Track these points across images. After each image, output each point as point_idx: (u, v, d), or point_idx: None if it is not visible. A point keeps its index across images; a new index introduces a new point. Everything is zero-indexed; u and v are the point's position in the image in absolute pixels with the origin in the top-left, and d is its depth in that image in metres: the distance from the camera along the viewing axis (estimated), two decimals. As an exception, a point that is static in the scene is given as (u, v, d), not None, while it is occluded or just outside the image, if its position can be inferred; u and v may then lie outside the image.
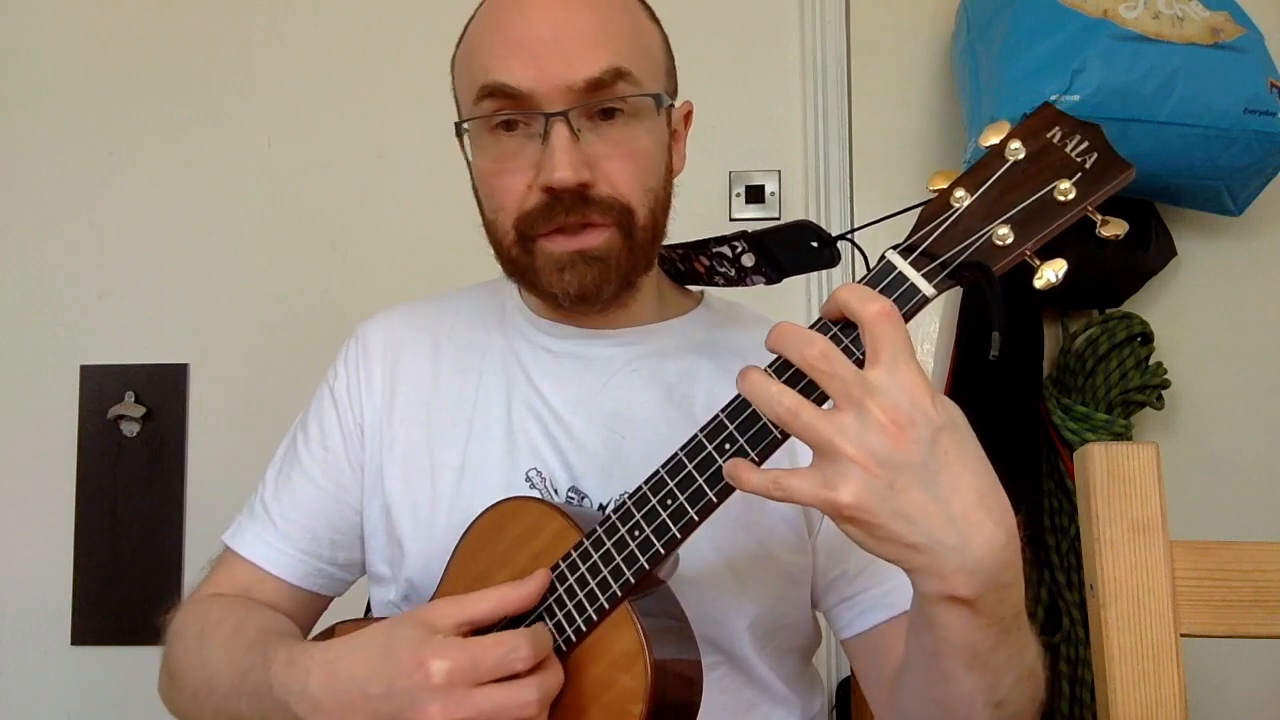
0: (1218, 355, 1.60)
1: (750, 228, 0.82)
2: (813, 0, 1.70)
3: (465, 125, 0.82)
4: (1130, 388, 1.47)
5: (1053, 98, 1.35)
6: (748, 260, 0.84)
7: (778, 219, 1.65)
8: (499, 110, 0.79)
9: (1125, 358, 1.49)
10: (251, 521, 0.92)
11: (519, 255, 0.82)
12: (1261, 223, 1.59)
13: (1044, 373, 1.56)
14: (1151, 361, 1.51)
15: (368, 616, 0.93)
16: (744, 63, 1.71)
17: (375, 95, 1.77)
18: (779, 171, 1.69)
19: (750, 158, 1.70)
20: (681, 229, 0.89)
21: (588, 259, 0.79)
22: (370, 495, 0.90)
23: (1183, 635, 0.75)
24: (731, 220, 1.67)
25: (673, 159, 0.87)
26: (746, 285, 0.87)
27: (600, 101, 0.78)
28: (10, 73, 1.83)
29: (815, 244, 0.78)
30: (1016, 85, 1.38)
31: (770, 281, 0.85)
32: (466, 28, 0.86)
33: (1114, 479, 0.76)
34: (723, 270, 0.88)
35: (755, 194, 1.68)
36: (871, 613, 0.83)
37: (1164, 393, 1.52)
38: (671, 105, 0.86)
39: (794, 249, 0.80)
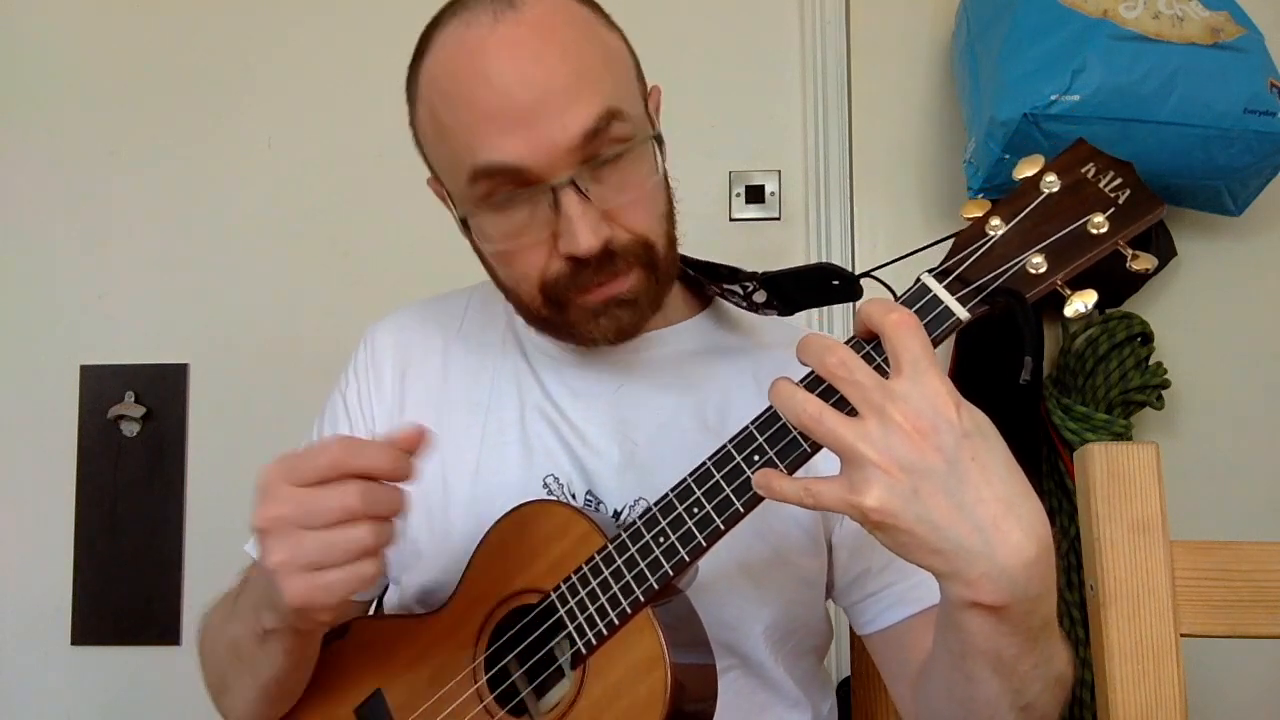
0: (1218, 355, 1.60)
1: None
2: (813, 0, 1.70)
3: (466, 214, 0.78)
4: (1130, 388, 1.47)
5: (1053, 97, 1.35)
6: (759, 298, 0.84)
7: (777, 219, 1.65)
8: (498, 190, 0.74)
9: (1125, 358, 1.49)
10: None
11: (550, 314, 0.80)
12: (1261, 223, 1.59)
13: (1044, 373, 1.56)
14: (1151, 361, 1.51)
15: (379, 614, 0.93)
16: (744, 63, 1.71)
17: (375, 95, 1.74)
18: (779, 171, 1.68)
19: (750, 158, 1.69)
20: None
21: (620, 303, 0.78)
22: None
23: (1183, 635, 0.75)
24: (731, 220, 1.66)
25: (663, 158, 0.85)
26: (758, 315, 0.87)
27: (601, 156, 0.74)
28: (11, 73, 1.83)
29: (836, 283, 0.77)
30: (1017, 85, 1.38)
31: (782, 314, 0.85)
32: (417, 91, 0.80)
33: (1114, 479, 0.76)
34: (733, 301, 0.88)
35: (755, 194, 1.68)
36: (896, 608, 0.83)
37: (1164, 393, 1.51)
38: (658, 136, 0.81)
39: (812, 288, 0.79)
